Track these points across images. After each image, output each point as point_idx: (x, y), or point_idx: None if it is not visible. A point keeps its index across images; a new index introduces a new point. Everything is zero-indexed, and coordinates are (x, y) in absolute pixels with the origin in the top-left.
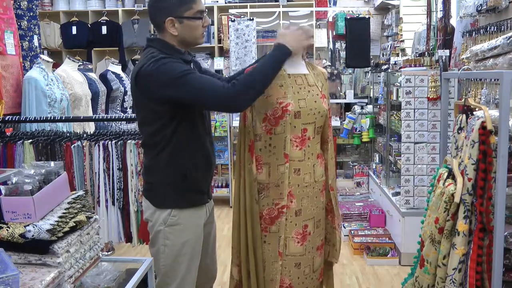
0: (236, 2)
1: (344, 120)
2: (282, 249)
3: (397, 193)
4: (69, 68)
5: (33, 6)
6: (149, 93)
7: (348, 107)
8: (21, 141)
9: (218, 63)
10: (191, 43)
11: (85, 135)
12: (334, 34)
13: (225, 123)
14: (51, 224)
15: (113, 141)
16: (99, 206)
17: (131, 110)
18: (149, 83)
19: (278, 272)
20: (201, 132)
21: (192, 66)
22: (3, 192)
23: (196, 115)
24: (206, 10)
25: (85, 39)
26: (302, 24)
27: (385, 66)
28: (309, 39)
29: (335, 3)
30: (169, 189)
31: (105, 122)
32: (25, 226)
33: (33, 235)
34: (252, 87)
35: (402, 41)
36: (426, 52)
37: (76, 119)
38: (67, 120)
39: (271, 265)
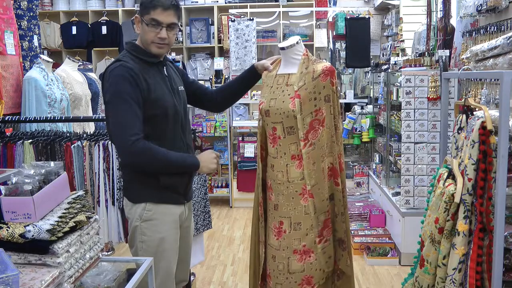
0: (236, 2)
1: (344, 120)
2: (265, 238)
3: (397, 193)
4: (69, 68)
5: (33, 6)
6: (104, 93)
7: (348, 107)
8: (21, 141)
9: (218, 63)
10: (145, 47)
11: (85, 135)
12: (334, 34)
13: (225, 123)
14: (51, 224)
15: None
16: (99, 206)
17: None
18: (104, 84)
19: (262, 257)
20: (172, 134)
21: (165, 71)
22: (3, 192)
23: (162, 118)
24: (165, 25)
25: (85, 39)
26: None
27: (385, 66)
28: (214, 165)
29: (335, 3)
30: (143, 185)
31: (105, 122)
32: (25, 226)
33: (33, 235)
34: (149, 163)
35: (402, 41)
36: (426, 52)
37: (76, 119)
38: (67, 120)
39: (264, 247)
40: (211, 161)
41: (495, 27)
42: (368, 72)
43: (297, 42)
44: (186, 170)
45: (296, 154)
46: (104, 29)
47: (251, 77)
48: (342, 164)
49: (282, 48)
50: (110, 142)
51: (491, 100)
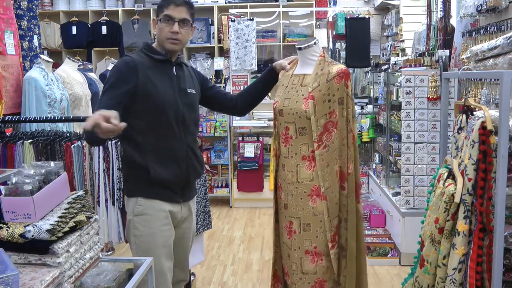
0: (236, 2)
1: None
2: (280, 236)
3: (397, 193)
4: (69, 68)
5: (33, 6)
6: None
7: None
8: (21, 141)
9: (218, 63)
10: (161, 45)
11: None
12: (334, 34)
13: (225, 123)
14: (51, 224)
15: (113, 141)
16: (99, 206)
17: None
18: None
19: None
20: (172, 132)
21: (174, 70)
22: (3, 192)
23: (157, 114)
24: (178, 19)
25: (85, 39)
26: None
27: (385, 66)
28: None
29: (335, 3)
30: (136, 179)
31: None
32: (25, 226)
33: (33, 235)
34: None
35: (402, 41)
36: (426, 52)
37: (76, 119)
38: (67, 120)
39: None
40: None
41: (495, 27)
42: (368, 72)
43: (314, 43)
44: (88, 138)
45: (307, 155)
46: (104, 29)
47: (270, 78)
48: (350, 169)
49: (299, 48)
50: (110, 142)
51: (491, 100)
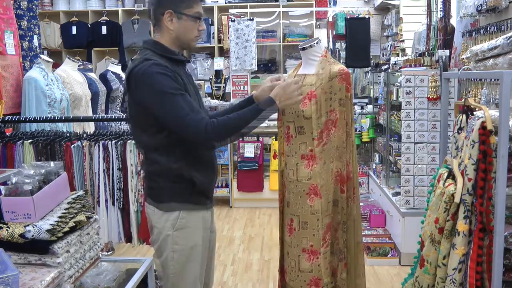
0: (236, 2)
1: None
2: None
3: (397, 193)
4: (69, 68)
5: (33, 6)
6: (140, 94)
7: None
8: (21, 141)
9: (218, 63)
10: (184, 43)
11: (85, 135)
12: (334, 34)
13: None
14: (51, 224)
15: (113, 141)
16: (99, 206)
17: None
18: (139, 85)
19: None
20: None
21: (186, 69)
22: (3, 192)
23: None
24: (203, 16)
25: (85, 39)
26: (289, 79)
27: (385, 66)
28: (299, 96)
29: (335, 3)
30: (177, 192)
31: (105, 122)
32: (25, 226)
33: (33, 235)
34: (228, 135)
35: (402, 41)
36: (426, 52)
37: (76, 119)
38: (67, 120)
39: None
40: (290, 95)
41: (495, 27)
42: (368, 72)
43: (316, 43)
44: (267, 116)
45: (306, 154)
46: (104, 29)
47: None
48: (350, 173)
49: (303, 49)
50: (110, 142)
51: (491, 100)
